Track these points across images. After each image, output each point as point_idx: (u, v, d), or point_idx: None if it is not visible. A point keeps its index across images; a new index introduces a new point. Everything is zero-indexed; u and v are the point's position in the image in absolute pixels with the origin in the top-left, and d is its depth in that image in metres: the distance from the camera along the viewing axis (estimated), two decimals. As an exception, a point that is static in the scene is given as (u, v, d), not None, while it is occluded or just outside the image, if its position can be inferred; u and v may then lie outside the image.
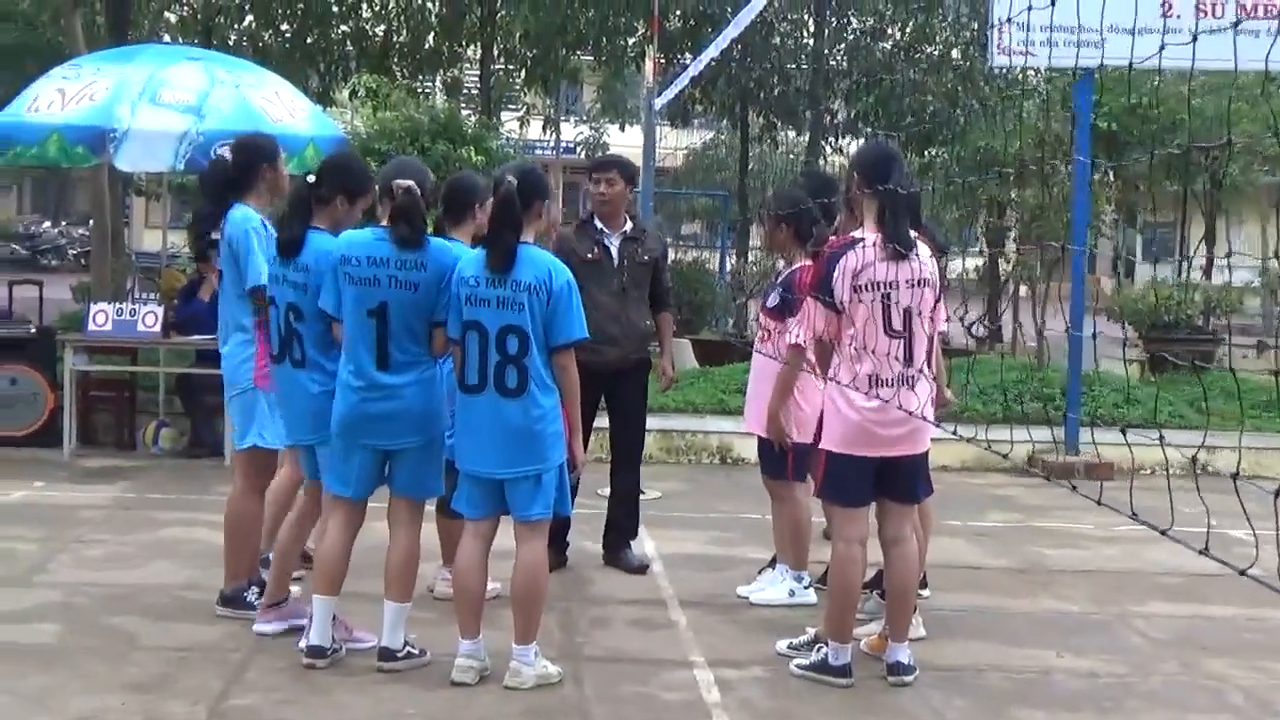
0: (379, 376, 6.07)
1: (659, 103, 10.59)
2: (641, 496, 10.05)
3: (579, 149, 39.83)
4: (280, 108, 11.56)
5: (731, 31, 9.02)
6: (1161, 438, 3.51)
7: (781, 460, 7.34)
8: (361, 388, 6.09)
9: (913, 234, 6.07)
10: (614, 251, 8.23)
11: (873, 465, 6.10)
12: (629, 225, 8.31)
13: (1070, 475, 11.60)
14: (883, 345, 5.98)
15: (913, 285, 6.05)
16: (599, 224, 8.25)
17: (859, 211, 6.27)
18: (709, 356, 16.64)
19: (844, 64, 23.06)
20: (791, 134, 25.75)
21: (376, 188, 6.49)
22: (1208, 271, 23.26)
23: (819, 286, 6.14)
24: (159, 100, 11.06)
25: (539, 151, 40.16)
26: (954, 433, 6.22)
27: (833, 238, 6.62)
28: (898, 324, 6.02)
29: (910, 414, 5.98)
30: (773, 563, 7.92)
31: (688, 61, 21.84)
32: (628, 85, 27.64)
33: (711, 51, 9.35)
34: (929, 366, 6.25)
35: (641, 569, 8.36)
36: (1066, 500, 10.95)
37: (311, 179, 6.52)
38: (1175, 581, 8.50)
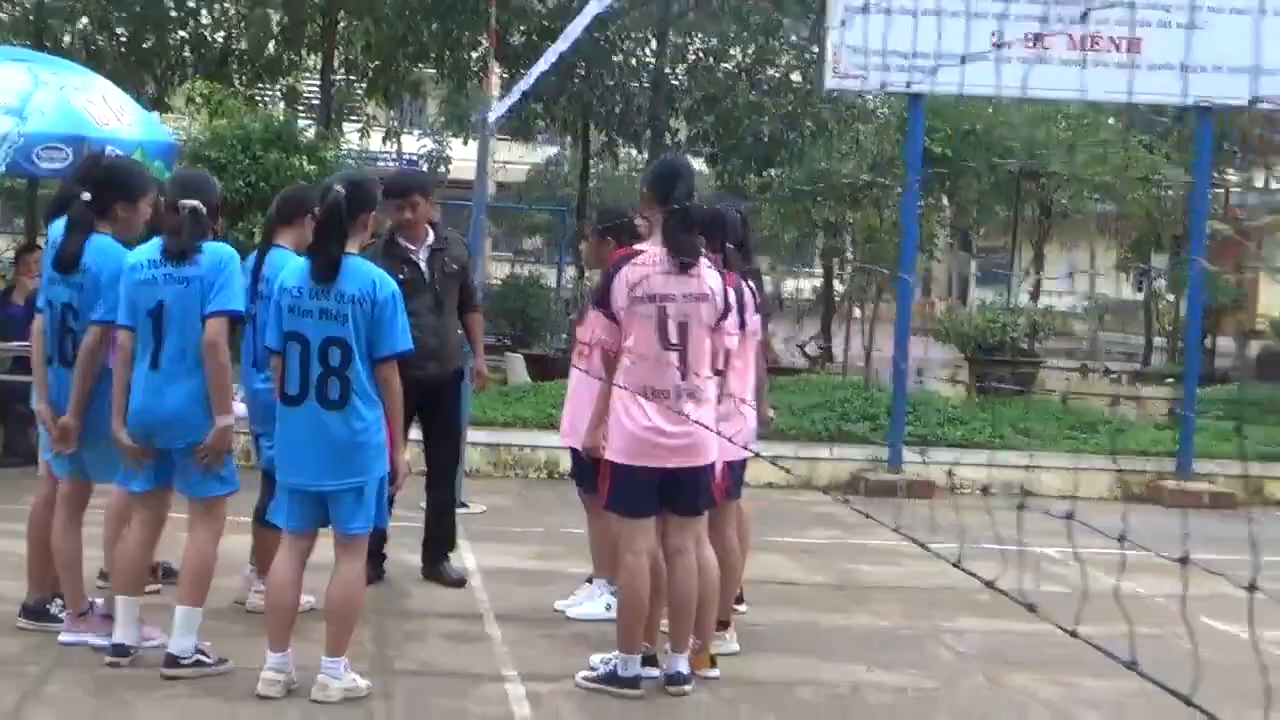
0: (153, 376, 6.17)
1: (492, 117, 10.53)
2: (466, 510, 10.04)
3: (422, 161, 39.63)
4: (106, 111, 11.32)
5: (560, 46, 9.01)
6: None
7: (595, 473, 7.34)
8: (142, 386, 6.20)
9: (704, 253, 6.17)
10: (424, 266, 8.16)
11: (655, 477, 6.14)
12: (431, 237, 8.23)
13: (892, 494, 11.78)
14: (660, 357, 6.04)
15: (691, 299, 6.13)
16: (403, 241, 8.14)
17: (650, 225, 6.34)
18: (541, 371, 16.67)
19: (685, 84, 23.19)
20: (632, 151, 25.87)
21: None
22: (1035, 296, 23.76)
23: (599, 299, 6.25)
24: (-23, 101, 10.79)
25: (381, 163, 39.89)
26: (761, 454, 6.30)
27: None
28: (674, 337, 6.10)
29: (668, 430, 6.01)
30: (592, 577, 7.93)
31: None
32: (471, 99, 27.52)
33: (541, 66, 9.32)
34: (729, 383, 6.35)
35: (459, 583, 8.31)
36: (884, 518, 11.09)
37: (86, 196, 6.50)
38: (986, 598, 8.64)
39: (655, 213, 6.23)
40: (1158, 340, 26.67)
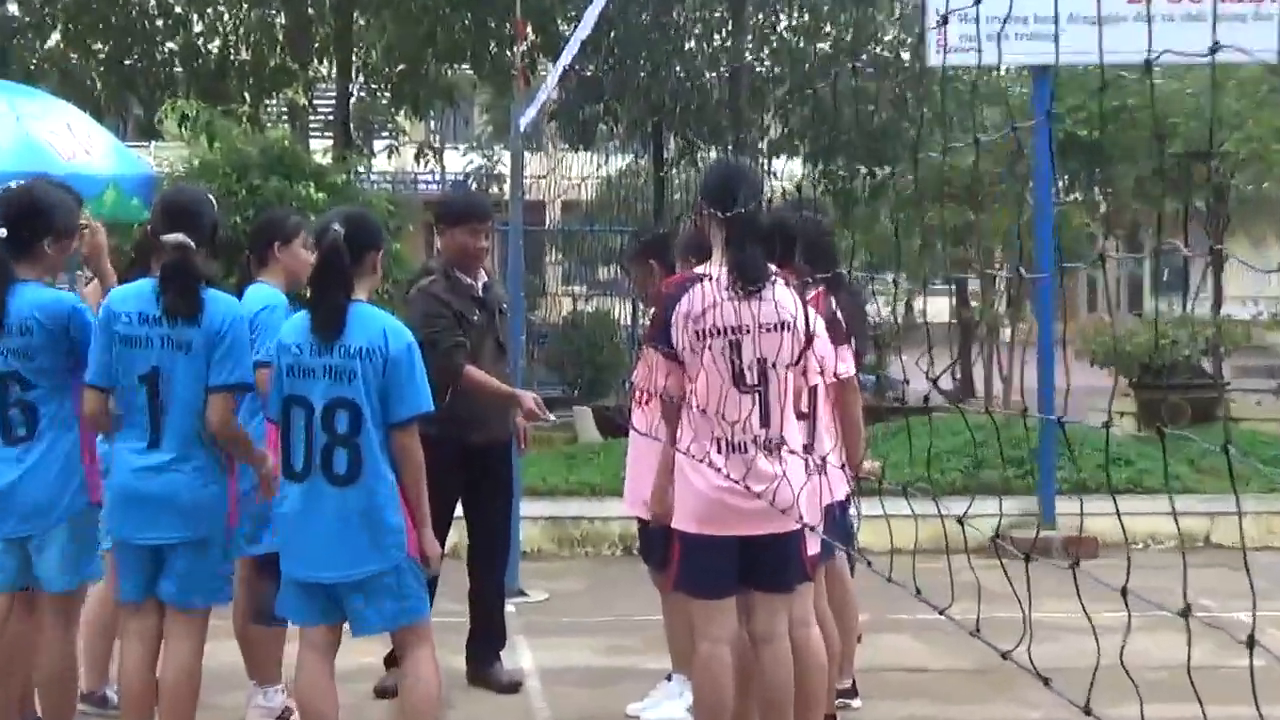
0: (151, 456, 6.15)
1: (523, 122, 10.59)
2: (524, 599, 10.06)
3: (471, 180, 39.63)
4: (72, 143, 11.50)
5: (581, 34, 9.10)
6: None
7: (666, 546, 7.29)
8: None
9: (773, 269, 6.10)
10: (489, 307, 8.30)
11: (732, 547, 6.08)
12: (481, 273, 8.35)
13: (1046, 553, 11.66)
14: (732, 403, 5.98)
15: (769, 330, 6.06)
16: (462, 276, 8.21)
17: (709, 241, 6.30)
18: (614, 427, 16.61)
19: (772, 71, 23.16)
20: (715, 155, 25.85)
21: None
22: (1217, 304, 23.39)
23: (656, 334, 6.20)
24: (-79, 137, 11.03)
25: (423, 185, 39.95)
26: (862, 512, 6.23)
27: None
28: (750, 377, 6.04)
29: (750, 490, 5.94)
30: (671, 674, 7.89)
31: (585, 73, 21.95)
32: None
33: (564, 60, 9.43)
34: (812, 429, 6.30)
35: (513, 687, 8.33)
36: (1036, 585, 10.97)
37: (1, 231, 6.40)
38: (1162, 677, 8.50)
39: (715, 227, 6.19)
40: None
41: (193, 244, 6.15)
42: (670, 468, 6.42)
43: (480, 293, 8.23)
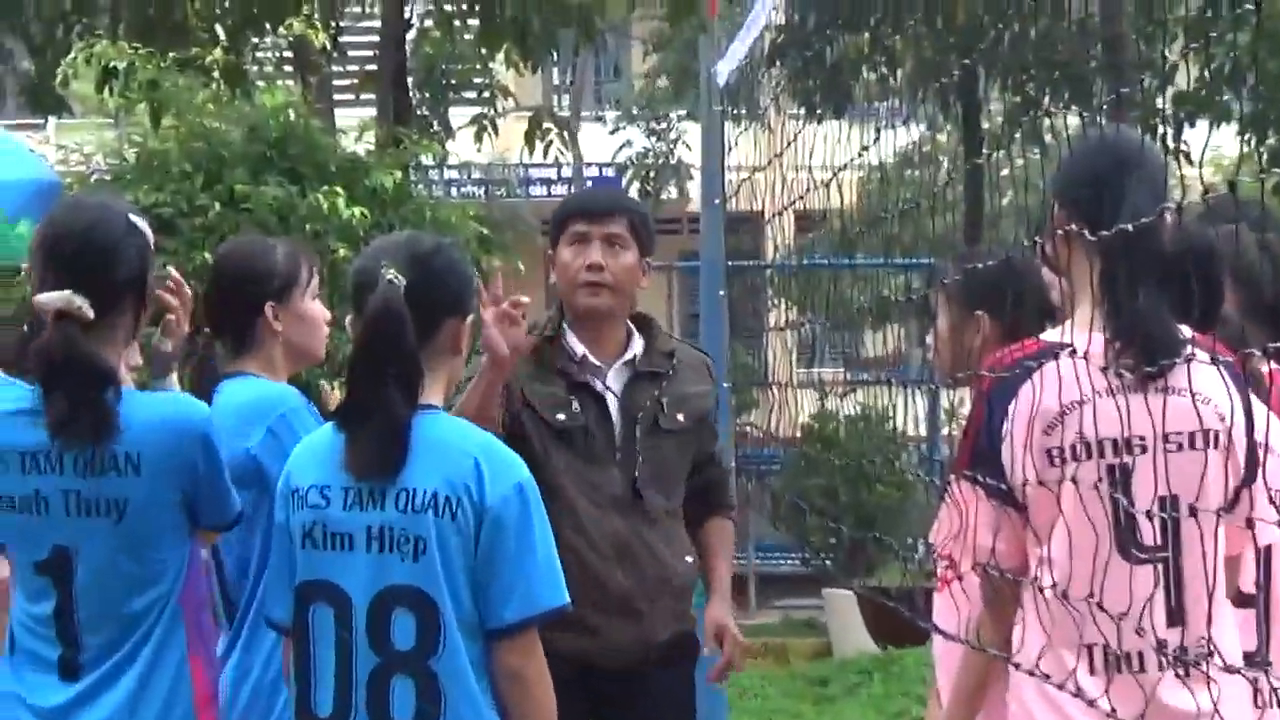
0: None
1: (723, 72, 10.66)
2: None
3: (629, 175, 39.68)
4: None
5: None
6: None
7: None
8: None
9: (1188, 334, 6.03)
10: (613, 407, 8.18)
11: None
12: (638, 344, 8.26)
13: None
14: (1118, 580, 5.91)
15: (1183, 445, 6.01)
16: (576, 344, 8.16)
17: (1066, 282, 6.29)
18: (895, 627, 16.58)
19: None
20: (1074, 121, 25.78)
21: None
22: None
23: (974, 455, 6.17)
24: None
25: (541, 188, 40.21)
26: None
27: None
28: (1150, 533, 5.97)
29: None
30: None
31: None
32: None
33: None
34: (1265, 625, 6.25)
35: None
36: None
37: None
38: None
39: (1078, 254, 6.14)
40: None
41: (89, 309, 6.05)
42: (975, 686, 6.38)
43: (603, 381, 8.13)
